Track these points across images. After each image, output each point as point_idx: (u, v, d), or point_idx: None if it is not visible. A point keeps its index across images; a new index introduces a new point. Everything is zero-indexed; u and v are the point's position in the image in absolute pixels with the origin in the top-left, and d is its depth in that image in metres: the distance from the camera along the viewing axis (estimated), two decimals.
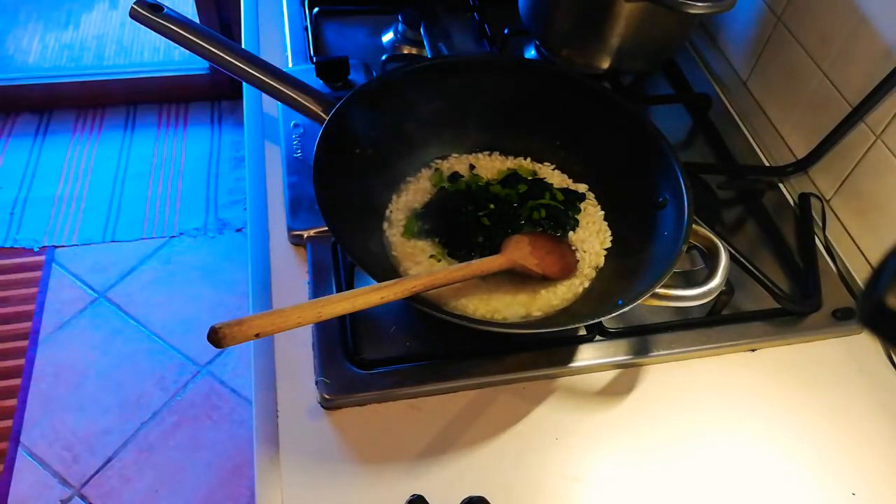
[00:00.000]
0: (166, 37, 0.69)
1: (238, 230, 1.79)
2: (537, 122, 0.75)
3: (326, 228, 0.68)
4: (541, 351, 0.63)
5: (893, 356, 0.68)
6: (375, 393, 0.59)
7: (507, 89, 0.75)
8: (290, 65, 0.88)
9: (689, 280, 0.69)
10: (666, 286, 0.57)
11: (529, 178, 0.74)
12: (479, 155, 0.76)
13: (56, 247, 1.72)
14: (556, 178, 0.75)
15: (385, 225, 0.69)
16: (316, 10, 0.94)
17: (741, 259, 0.67)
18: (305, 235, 0.69)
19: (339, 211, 0.61)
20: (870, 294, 0.37)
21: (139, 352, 1.55)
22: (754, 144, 0.86)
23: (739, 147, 0.85)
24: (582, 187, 0.74)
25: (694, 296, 0.58)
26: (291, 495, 0.54)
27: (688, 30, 0.88)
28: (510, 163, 0.76)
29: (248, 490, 1.39)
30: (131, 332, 1.58)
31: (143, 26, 0.69)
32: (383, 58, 0.88)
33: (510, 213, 0.70)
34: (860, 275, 0.73)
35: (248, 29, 0.93)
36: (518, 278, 0.65)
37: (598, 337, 0.65)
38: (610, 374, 0.64)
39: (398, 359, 0.62)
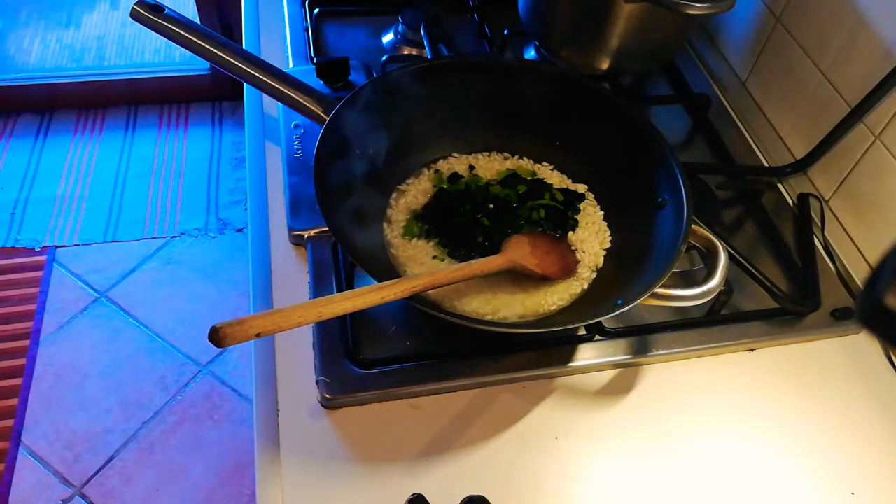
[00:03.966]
0: (167, 37, 0.69)
1: (239, 230, 1.79)
2: (537, 122, 0.76)
3: (327, 228, 0.68)
4: (541, 351, 0.64)
5: (892, 356, 0.68)
6: (375, 392, 0.60)
7: (506, 90, 0.75)
8: (291, 65, 0.88)
9: (689, 280, 0.69)
10: (665, 286, 0.57)
11: (529, 178, 0.74)
12: (479, 155, 0.76)
13: (57, 247, 1.72)
14: (555, 178, 0.75)
15: (385, 225, 0.69)
16: (316, 10, 0.94)
17: (740, 259, 0.67)
18: (306, 235, 0.69)
19: (340, 211, 0.61)
20: (868, 294, 0.37)
21: (140, 351, 1.56)
22: (753, 145, 0.86)
23: (738, 147, 0.85)
24: (581, 187, 0.74)
25: (693, 296, 0.58)
26: (292, 494, 0.55)
27: (687, 30, 0.88)
28: (510, 163, 0.76)
29: (249, 489, 1.39)
30: (132, 332, 1.59)
31: (143, 27, 0.69)
32: (384, 58, 0.88)
33: (510, 213, 0.70)
34: (859, 275, 0.73)
35: (248, 30, 0.93)
36: (518, 278, 0.66)
37: (597, 337, 0.65)
38: (609, 374, 0.64)
39: (398, 359, 0.62)
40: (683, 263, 0.70)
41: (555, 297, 0.66)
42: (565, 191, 0.73)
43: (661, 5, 0.73)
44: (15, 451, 1.40)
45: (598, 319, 0.60)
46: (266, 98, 0.79)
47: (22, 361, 1.53)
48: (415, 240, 0.68)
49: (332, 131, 0.65)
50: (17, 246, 1.72)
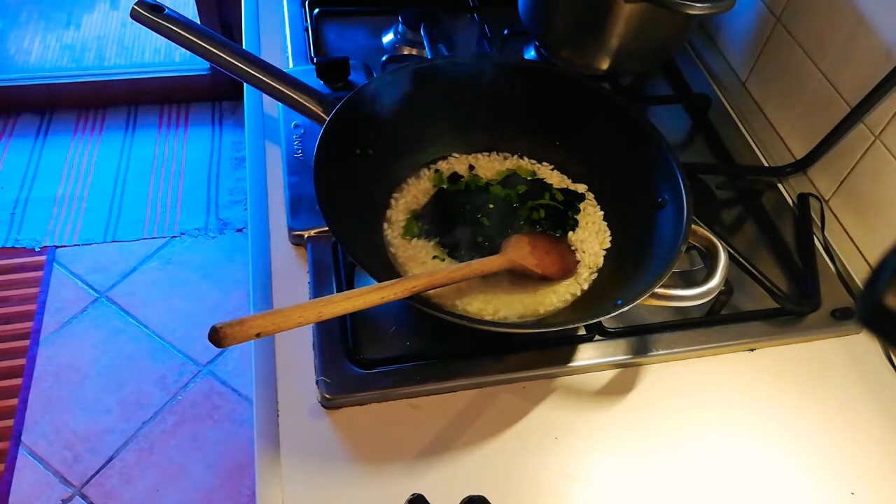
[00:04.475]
0: (167, 37, 0.69)
1: (239, 230, 1.79)
2: (537, 122, 0.76)
3: (327, 228, 0.68)
4: (541, 351, 0.64)
5: (892, 356, 0.68)
6: (375, 392, 0.60)
7: (506, 90, 0.75)
8: (291, 65, 0.88)
9: (689, 280, 0.69)
10: (665, 286, 0.57)
11: (529, 178, 0.74)
12: (479, 155, 0.76)
13: (57, 247, 1.72)
14: (555, 178, 0.75)
15: (385, 225, 0.69)
16: (316, 10, 0.94)
17: (740, 259, 0.67)
18: (306, 235, 0.69)
19: (340, 211, 0.61)
20: (868, 293, 0.37)
21: (140, 351, 1.56)
22: (753, 145, 0.86)
23: (738, 147, 0.85)
24: (581, 187, 0.74)
25: (693, 296, 0.58)
26: (292, 494, 0.55)
27: (687, 30, 0.88)
28: (510, 163, 0.76)
29: (249, 489, 1.39)
30: (132, 332, 1.58)
31: (143, 27, 0.69)
32: (383, 58, 0.88)
33: (510, 213, 0.70)
34: (859, 275, 0.73)
35: (248, 29, 0.93)
36: (518, 278, 0.65)
37: (597, 337, 0.65)
38: (609, 374, 0.64)
39: (398, 359, 0.62)
40: (683, 263, 0.70)
41: (555, 297, 0.66)
42: (565, 191, 0.73)
43: (661, 5, 0.73)
44: (15, 451, 1.40)
45: (598, 319, 0.60)
46: (266, 98, 0.79)
47: (22, 361, 1.52)
48: (415, 240, 0.68)
49: (332, 131, 0.65)
50: (17, 246, 1.72)
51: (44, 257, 1.70)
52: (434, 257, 0.67)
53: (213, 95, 2.07)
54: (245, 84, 0.73)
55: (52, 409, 1.46)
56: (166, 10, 0.69)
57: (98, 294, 1.64)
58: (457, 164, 0.75)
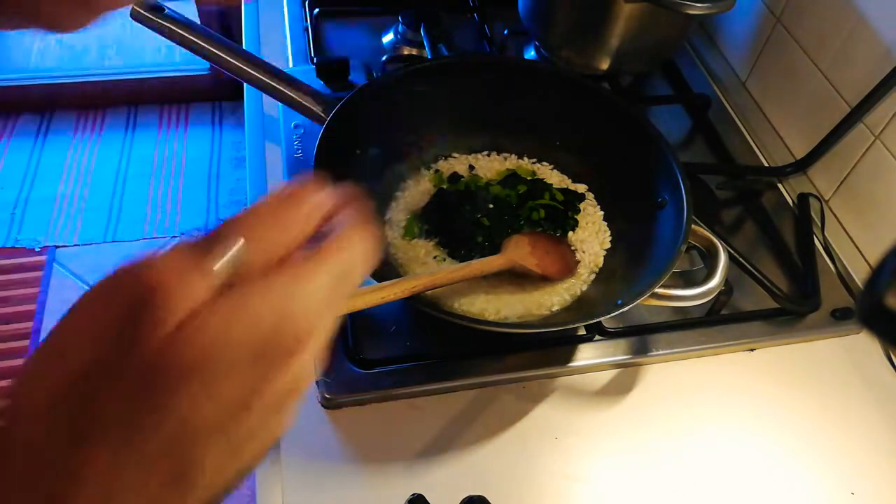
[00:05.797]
0: (167, 37, 0.69)
1: None
2: (537, 122, 0.76)
3: None
4: (541, 351, 0.64)
5: (892, 356, 0.68)
6: (376, 393, 0.60)
7: (506, 90, 0.75)
8: (291, 65, 0.88)
9: (689, 280, 0.69)
10: (665, 286, 0.57)
11: (529, 178, 0.74)
12: (479, 155, 0.76)
13: (57, 247, 1.72)
14: (555, 178, 0.75)
15: (385, 226, 0.69)
16: (316, 10, 0.94)
17: (740, 259, 0.67)
18: None
19: None
20: (869, 293, 0.37)
21: None
22: (753, 145, 0.86)
23: (738, 147, 0.85)
24: (581, 187, 0.74)
25: (693, 296, 0.58)
26: (292, 494, 0.55)
27: (687, 30, 0.88)
28: (509, 163, 0.76)
29: (249, 489, 1.38)
30: None
31: (143, 27, 0.69)
32: (383, 59, 0.88)
33: (510, 213, 0.70)
34: (859, 275, 0.73)
35: (248, 29, 0.93)
36: (518, 278, 0.65)
37: (597, 336, 0.65)
38: (609, 374, 0.64)
39: (398, 359, 0.62)
40: (683, 263, 0.70)
41: (555, 297, 0.66)
42: (565, 191, 0.73)
43: (661, 5, 0.73)
44: None
45: (598, 319, 0.60)
46: (266, 98, 0.79)
47: (21, 362, 1.52)
48: (415, 240, 0.68)
49: (331, 131, 0.64)
50: (17, 246, 1.72)
51: (44, 257, 1.70)
52: (434, 257, 0.67)
53: (213, 95, 2.08)
54: (245, 84, 0.73)
55: None
56: (166, 10, 0.69)
57: None
58: (457, 164, 0.75)
